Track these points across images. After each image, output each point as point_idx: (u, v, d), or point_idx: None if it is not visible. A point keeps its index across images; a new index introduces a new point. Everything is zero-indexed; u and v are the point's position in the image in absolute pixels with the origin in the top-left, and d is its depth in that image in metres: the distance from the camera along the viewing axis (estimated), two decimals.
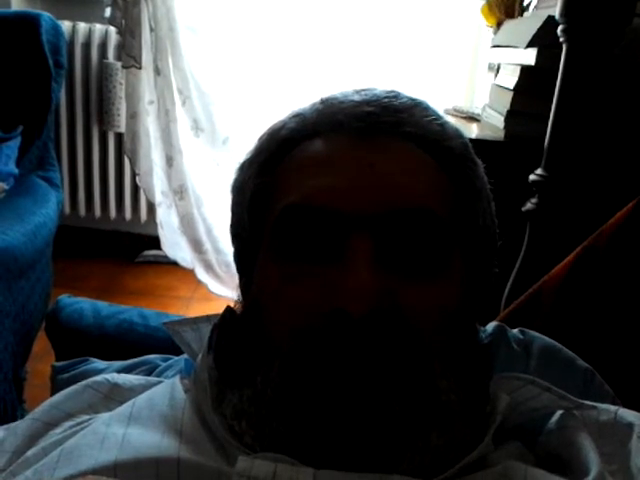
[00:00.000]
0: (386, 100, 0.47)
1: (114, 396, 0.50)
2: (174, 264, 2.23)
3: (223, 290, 2.12)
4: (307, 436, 0.38)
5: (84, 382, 0.51)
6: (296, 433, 0.38)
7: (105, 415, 0.46)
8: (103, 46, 2.19)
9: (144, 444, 0.40)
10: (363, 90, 0.49)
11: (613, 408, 0.47)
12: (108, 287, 2.24)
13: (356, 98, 0.48)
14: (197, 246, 2.13)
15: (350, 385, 0.38)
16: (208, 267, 2.14)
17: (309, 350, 0.39)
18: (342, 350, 0.38)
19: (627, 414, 0.46)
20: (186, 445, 0.40)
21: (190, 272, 2.18)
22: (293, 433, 0.38)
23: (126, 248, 2.46)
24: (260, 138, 0.51)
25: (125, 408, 0.45)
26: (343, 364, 0.38)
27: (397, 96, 0.48)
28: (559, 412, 0.46)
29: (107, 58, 2.19)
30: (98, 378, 0.52)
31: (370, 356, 0.38)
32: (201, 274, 2.15)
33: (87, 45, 2.19)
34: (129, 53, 2.01)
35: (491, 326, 0.62)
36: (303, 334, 0.40)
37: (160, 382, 0.52)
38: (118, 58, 2.15)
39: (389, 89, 0.49)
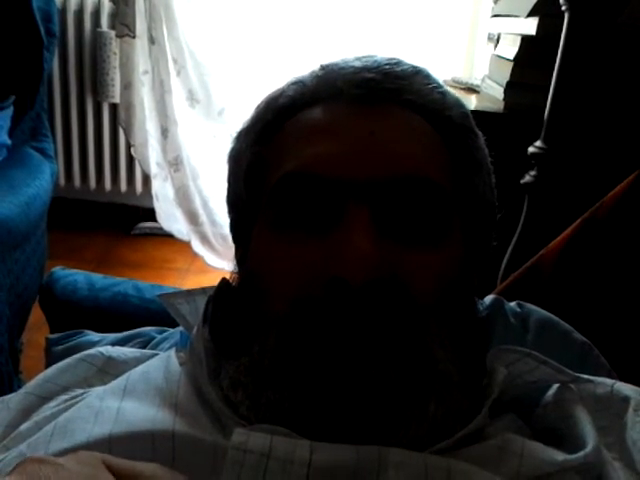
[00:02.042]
0: (387, 67, 0.46)
1: (108, 369, 0.50)
2: (170, 236, 2.23)
3: (219, 262, 2.12)
4: (303, 405, 0.38)
5: (78, 355, 0.51)
6: (292, 402, 0.38)
7: (99, 389, 0.45)
8: (96, 14, 2.15)
9: (139, 418, 0.40)
10: (364, 57, 0.48)
11: (609, 382, 0.47)
12: (104, 259, 2.24)
13: (356, 64, 0.47)
14: (193, 218, 2.12)
15: (347, 353, 0.37)
16: (204, 239, 2.14)
17: (307, 318, 0.39)
18: (340, 318, 0.38)
19: (623, 387, 0.46)
20: (181, 418, 0.40)
21: (186, 244, 2.18)
22: (289, 403, 0.38)
23: (122, 220, 2.45)
24: (258, 106, 0.50)
25: (119, 382, 0.45)
26: (341, 332, 0.38)
27: (398, 63, 0.47)
28: (555, 385, 0.46)
29: (100, 27, 2.15)
30: (92, 351, 0.52)
31: (368, 325, 0.38)
32: (197, 246, 2.15)
33: (80, 13, 2.15)
34: (123, 22, 1.97)
35: (489, 299, 0.62)
36: (301, 302, 0.40)
37: (155, 355, 0.52)
38: (112, 27, 2.12)
39: (390, 56, 0.48)
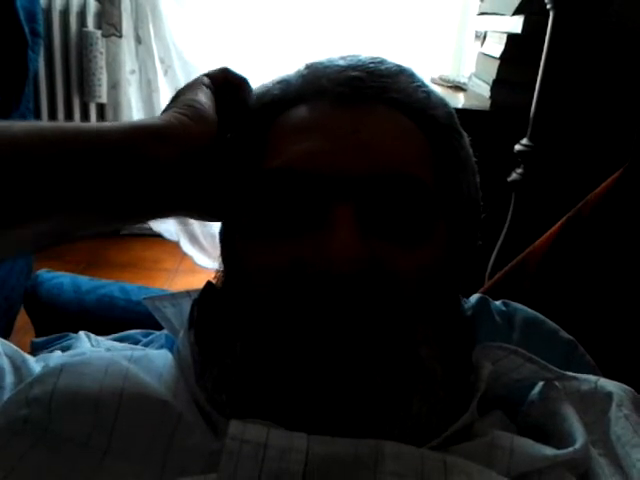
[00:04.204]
0: (371, 65, 0.46)
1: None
2: (159, 236, 2.22)
3: (209, 262, 2.11)
4: (286, 404, 0.37)
5: (70, 352, 0.51)
6: (275, 402, 0.38)
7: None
8: (82, 14, 2.14)
9: (147, 383, 0.40)
10: (348, 56, 0.48)
11: (593, 378, 0.48)
12: (93, 260, 2.23)
13: (341, 63, 0.47)
14: (182, 218, 2.11)
15: (330, 349, 0.37)
16: (193, 239, 2.13)
17: (290, 314, 0.39)
18: (324, 313, 0.38)
19: (607, 384, 0.47)
20: (180, 405, 0.40)
21: (175, 244, 2.17)
22: (272, 403, 0.38)
23: None
24: None
25: (124, 350, 0.45)
26: (325, 327, 0.38)
27: (382, 62, 0.48)
28: (541, 383, 0.46)
29: (86, 26, 2.14)
30: (85, 346, 0.52)
31: (352, 320, 0.38)
32: (186, 246, 2.14)
33: (65, 13, 2.14)
34: (109, 21, 1.96)
35: (474, 298, 0.62)
36: (284, 297, 0.40)
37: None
38: (98, 26, 2.10)
39: (374, 55, 0.48)
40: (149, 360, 0.44)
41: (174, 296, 0.50)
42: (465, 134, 0.50)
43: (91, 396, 0.38)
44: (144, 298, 0.50)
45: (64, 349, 0.53)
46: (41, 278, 0.75)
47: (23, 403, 0.39)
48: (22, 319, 1.43)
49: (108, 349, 0.52)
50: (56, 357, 0.48)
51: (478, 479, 0.35)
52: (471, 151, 0.50)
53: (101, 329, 0.65)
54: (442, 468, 0.35)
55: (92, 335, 0.58)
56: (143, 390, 0.39)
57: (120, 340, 0.61)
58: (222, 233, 0.52)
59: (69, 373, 0.40)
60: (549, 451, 0.38)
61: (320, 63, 0.48)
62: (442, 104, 0.49)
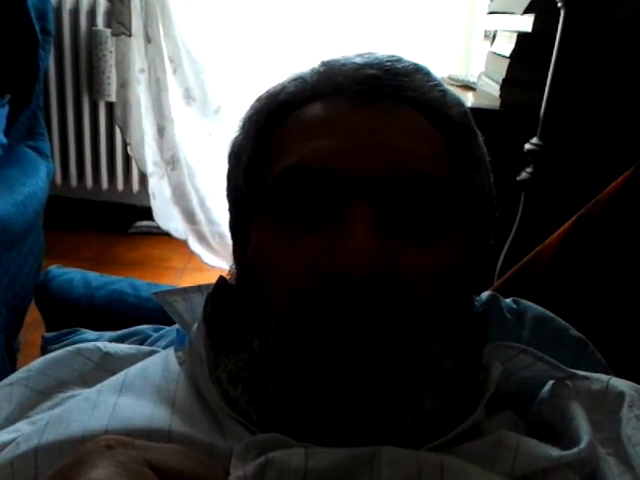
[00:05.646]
0: (388, 64, 0.46)
1: (105, 365, 0.50)
2: (167, 235, 2.22)
3: (216, 261, 2.12)
4: (303, 399, 0.38)
5: (74, 348, 0.50)
6: (292, 397, 0.38)
7: (97, 385, 0.45)
8: (92, 12, 2.14)
9: (135, 414, 0.40)
10: (365, 54, 0.48)
11: (605, 377, 0.48)
12: (101, 258, 2.23)
13: (358, 61, 0.47)
14: (190, 217, 2.11)
15: (346, 347, 0.38)
16: (201, 238, 2.14)
17: (306, 311, 0.39)
18: (339, 312, 0.38)
19: (618, 383, 0.47)
20: (178, 417, 0.40)
21: (183, 243, 2.17)
22: (289, 397, 0.38)
23: (119, 219, 2.44)
24: (258, 100, 0.50)
25: (118, 377, 0.45)
26: (340, 326, 0.38)
27: (399, 60, 0.48)
28: (551, 382, 0.46)
29: (96, 25, 2.14)
30: (89, 345, 0.51)
31: (367, 319, 0.38)
32: (194, 245, 2.15)
33: (75, 11, 2.14)
34: (118, 20, 1.97)
35: (485, 295, 0.62)
36: (300, 295, 0.40)
37: (152, 352, 0.52)
38: (107, 25, 2.11)
39: (391, 53, 0.48)
40: (144, 378, 0.44)
41: (185, 290, 0.50)
42: (479, 133, 0.50)
43: (75, 440, 0.38)
44: (155, 292, 0.50)
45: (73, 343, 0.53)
46: (52, 274, 0.75)
47: (8, 471, 0.38)
48: (32, 315, 1.44)
49: (108, 354, 0.51)
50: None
51: None
52: (485, 150, 0.50)
53: (111, 324, 0.65)
54: (439, 472, 0.35)
55: (97, 334, 0.58)
56: (127, 424, 0.39)
57: (130, 335, 0.61)
58: (235, 229, 0.52)
59: (54, 426, 0.40)
60: (554, 452, 0.38)
61: (336, 61, 0.48)
62: (458, 103, 0.49)
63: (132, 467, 0.28)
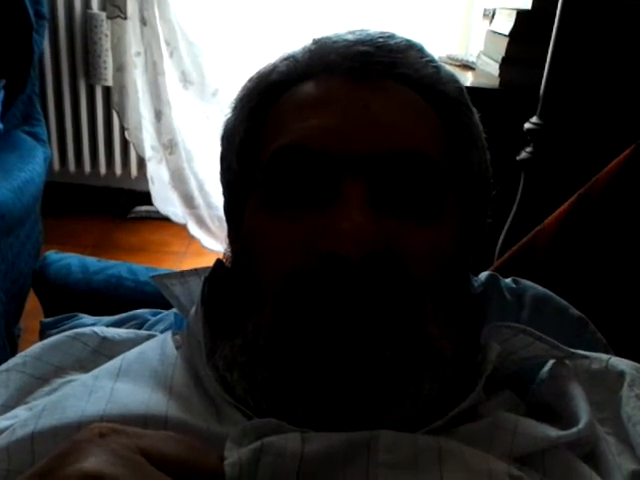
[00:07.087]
0: (381, 40, 0.46)
1: (103, 350, 0.50)
2: (166, 219, 2.22)
3: (216, 245, 2.11)
4: (299, 384, 0.37)
5: (71, 333, 0.50)
6: (288, 381, 0.38)
7: (94, 370, 0.45)
8: None
9: (132, 399, 0.40)
10: (357, 30, 0.47)
11: (605, 357, 0.47)
12: (100, 244, 2.23)
13: (350, 38, 0.46)
14: (189, 201, 2.11)
15: (342, 329, 0.37)
16: (200, 222, 2.13)
17: (301, 292, 0.39)
18: (335, 293, 0.38)
19: (618, 362, 0.46)
20: (175, 403, 0.40)
21: (183, 227, 2.17)
22: (284, 382, 0.38)
23: (117, 204, 2.43)
24: (249, 81, 0.50)
25: (115, 362, 0.44)
26: (335, 307, 0.38)
27: (392, 36, 0.47)
28: (551, 361, 0.46)
29: (91, 8, 2.12)
30: (87, 330, 0.51)
31: (363, 299, 0.38)
32: (193, 229, 2.14)
33: None
34: (113, 3, 1.95)
35: (484, 275, 0.61)
36: (295, 277, 0.39)
37: (150, 336, 0.52)
38: (102, 8, 2.08)
39: (383, 30, 0.48)
40: (142, 362, 0.44)
41: (183, 274, 0.50)
42: (475, 110, 0.49)
43: (72, 426, 0.38)
44: (152, 276, 0.50)
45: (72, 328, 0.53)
46: (49, 259, 0.75)
47: (4, 456, 0.38)
48: (31, 303, 1.44)
49: (106, 339, 0.51)
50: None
51: (474, 464, 0.35)
52: (481, 127, 0.50)
53: (109, 309, 0.65)
54: (437, 455, 0.35)
55: (95, 319, 0.58)
56: (123, 409, 0.39)
57: (128, 319, 0.61)
58: (229, 211, 0.52)
59: (50, 411, 0.40)
60: (553, 432, 0.38)
61: (328, 38, 0.47)
62: (452, 80, 0.48)
63: (124, 455, 0.28)
